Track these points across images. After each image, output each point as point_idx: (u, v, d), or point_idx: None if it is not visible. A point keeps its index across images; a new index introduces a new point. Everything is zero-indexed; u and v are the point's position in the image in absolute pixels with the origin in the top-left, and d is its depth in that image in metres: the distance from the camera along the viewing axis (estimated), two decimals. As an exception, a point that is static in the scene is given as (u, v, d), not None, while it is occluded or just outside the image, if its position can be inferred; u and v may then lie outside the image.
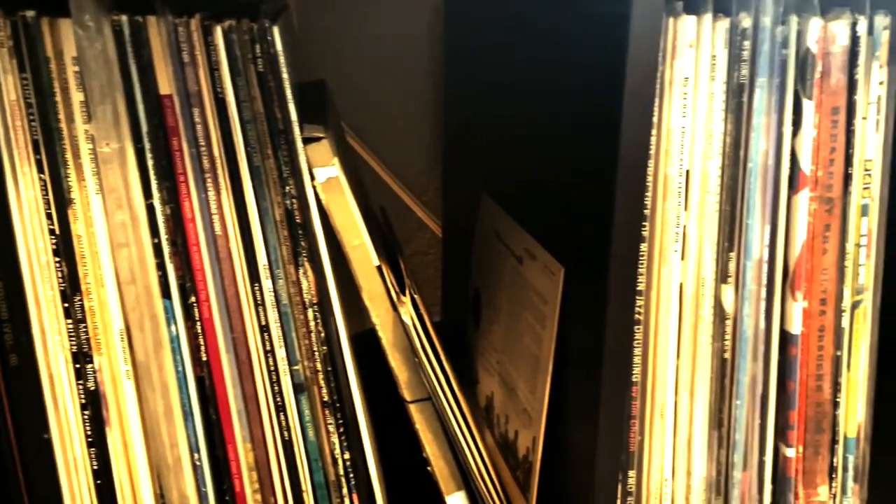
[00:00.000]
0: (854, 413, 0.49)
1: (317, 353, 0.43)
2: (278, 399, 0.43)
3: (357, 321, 0.48)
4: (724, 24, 0.40)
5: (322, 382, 0.43)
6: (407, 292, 0.43)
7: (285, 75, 0.38)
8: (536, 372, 0.47)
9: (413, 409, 0.46)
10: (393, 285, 0.44)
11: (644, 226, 0.43)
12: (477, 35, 0.58)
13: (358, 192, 0.53)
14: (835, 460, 0.49)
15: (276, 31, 0.37)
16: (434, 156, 0.76)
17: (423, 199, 0.77)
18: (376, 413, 0.53)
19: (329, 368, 0.43)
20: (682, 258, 0.44)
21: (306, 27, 0.71)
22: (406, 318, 0.42)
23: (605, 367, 0.40)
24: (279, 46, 0.37)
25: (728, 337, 0.46)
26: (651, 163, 0.42)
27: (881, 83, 0.43)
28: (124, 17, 0.36)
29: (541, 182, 0.47)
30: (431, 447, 0.47)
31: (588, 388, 0.42)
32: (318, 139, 0.40)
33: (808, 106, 0.42)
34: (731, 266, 0.45)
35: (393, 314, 0.44)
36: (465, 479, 0.48)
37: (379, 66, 0.73)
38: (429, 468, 0.47)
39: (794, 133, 0.43)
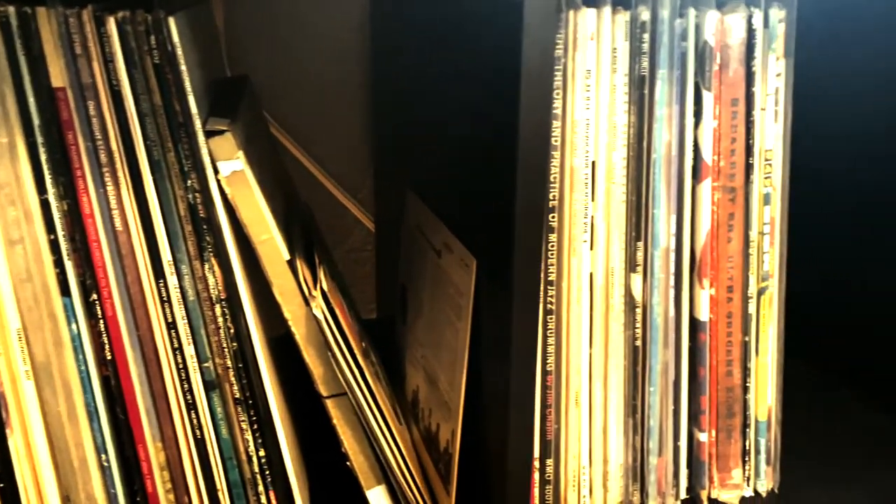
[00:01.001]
0: (764, 397, 0.49)
1: (227, 350, 0.41)
2: (189, 397, 0.42)
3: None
4: (624, 17, 0.40)
5: (233, 379, 0.42)
6: (318, 287, 0.42)
7: (183, 67, 0.37)
8: (454, 364, 0.47)
9: (330, 405, 0.45)
10: (305, 280, 0.43)
11: (552, 217, 0.43)
12: (400, 32, 0.58)
13: (277, 188, 0.52)
14: (747, 443, 0.50)
15: (171, 22, 0.36)
16: (367, 153, 0.75)
17: (358, 196, 0.76)
18: (302, 409, 0.52)
19: (240, 365, 0.42)
20: (592, 248, 0.44)
21: (235, 23, 0.69)
22: (317, 313, 0.41)
23: (513, 356, 0.39)
24: (176, 38, 0.36)
25: (639, 325, 0.46)
26: (557, 154, 0.42)
27: (778, 75, 0.43)
28: (11, 9, 0.34)
29: (455, 176, 0.46)
30: (350, 442, 0.46)
31: (499, 378, 0.41)
32: (220, 132, 0.39)
33: (708, 97, 0.42)
34: (640, 255, 0.45)
35: (306, 309, 0.43)
36: (386, 474, 0.47)
37: (310, 65, 0.72)
38: (348, 463, 0.46)
39: (696, 124, 0.43)
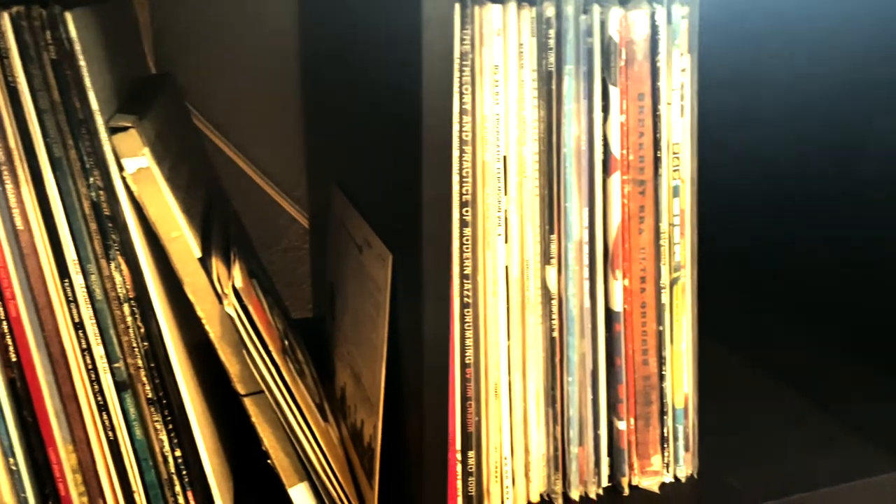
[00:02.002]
0: (680, 385, 0.50)
1: (138, 350, 0.40)
2: (99, 398, 0.41)
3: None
4: (530, 13, 0.40)
5: (146, 379, 0.41)
6: (230, 284, 0.41)
7: (82, 63, 0.36)
8: (375, 360, 0.47)
9: (247, 403, 0.44)
10: (219, 278, 0.42)
11: (466, 211, 0.43)
12: (324, 29, 0.57)
13: (196, 185, 0.51)
14: (665, 430, 0.50)
15: (68, 18, 0.35)
16: (301, 151, 0.74)
17: (293, 194, 0.76)
18: (228, 408, 0.51)
19: (152, 365, 0.41)
20: (506, 241, 0.44)
21: (164, 21, 0.68)
22: (230, 311, 0.41)
23: (426, 350, 0.39)
24: (74, 34, 0.35)
25: (555, 317, 0.46)
26: (468, 149, 0.42)
27: (683, 70, 0.44)
28: None
29: (371, 172, 0.46)
30: (270, 440, 0.45)
31: (414, 372, 0.41)
32: (125, 129, 0.38)
33: (615, 92, 0.43)
34: (554, 248, 0.45)
35: (219, 307, 0.42)
36: (308, 471, 0.46)
37: (242, 64, 0.71)
38: (269, 461, 0.46)
39: (605, 119, 0.43)
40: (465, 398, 0.46)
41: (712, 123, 0.65)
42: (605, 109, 0.43)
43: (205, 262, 0.42)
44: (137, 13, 0.63)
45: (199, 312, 0.42)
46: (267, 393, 0.43)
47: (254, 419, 0.44)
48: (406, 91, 0.37)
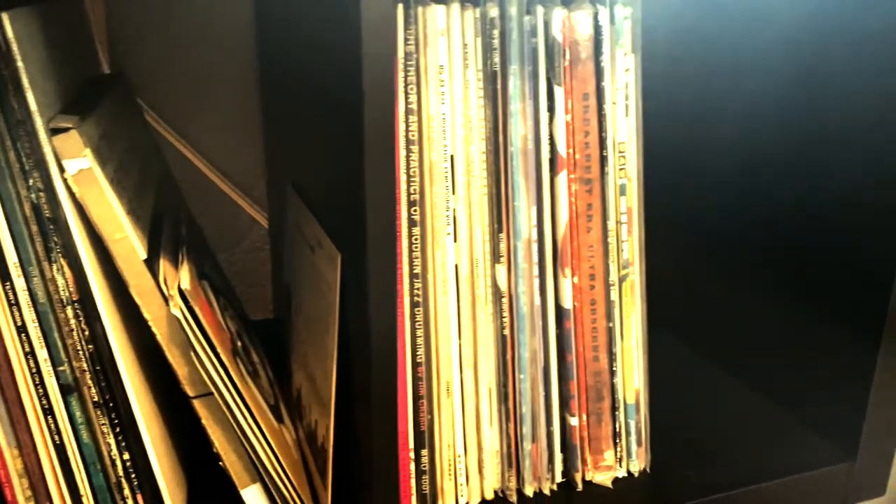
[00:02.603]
0: (631, 380, 0.50)
1: (83, 353, 0.40)
2: (45, 402, 0.40)
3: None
4: (473, 13, 0.40)
5: (91, 382, 0.41)
6: (176, 286, 0.41)
7: (20, 64, 0.35)
8: (326, 360, 0.46)
9: (197, 405, 0.44)
10: (165, 280, 0.42)
11: (415, 210, 0.43)
12: (277, 28, 0.57)
13: (147, 186, 0.51)
14: (618, 426, 0.51)
15: (4, 18, 0.34)
16: (260, 151, 0.74)
17: (253, 194, 0.75)
18: (182, 409, 0.51)
19: (98, 367, 0.40)
20: (455, 240, 0.44)
21: (120, 21, 0.67)
22: (176, 312, 0.40)
23: (373, 350, 0.39)
24: (10, 34, 0.35)
25: (506, 314, 0.46)
26: (415, 149, 0.42)
27: (627, 70, 0.44)
28: None
29: (321, 172, 0.46)
30: (221, 442, 0.45)
31: (362, 372, 0.41)
32: (65, 130, 0.37)
33: (559, 92, 0.43)
34: (503, 246, 0.45)
35: (166, 309, 0.41)
36: (260, 472, 0.46)
37: (200, 65, 0.70)
38: (220, 463, 0.45)
39: (550, 118, 0.44)
40: (416, 397, 0.46)
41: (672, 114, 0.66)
42: (551, 109, 0.44)
43: (151, 264, 0.42)
44: (90, 12, 0.62)
45: (146, 314, 0.41)
46: (216, 395, 0.43)
47: (204, 421, 0.44)
48: (349, 91, 0.37)
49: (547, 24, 0.42)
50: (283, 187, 0.60)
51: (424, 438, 0.47)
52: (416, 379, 0.46)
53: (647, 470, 0.52)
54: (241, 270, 0.77)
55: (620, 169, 0.46)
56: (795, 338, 0.57)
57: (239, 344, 0.51)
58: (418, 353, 0.45)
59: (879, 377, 0.51)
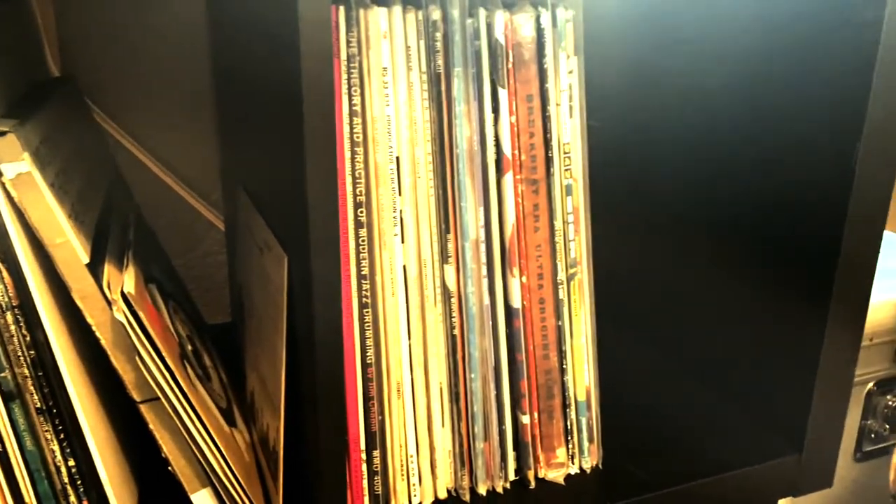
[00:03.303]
0: (582, 378, 0.51)
1: (24, 359, 0.39)
2: (-15, 409, 0.39)
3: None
4: (415, 16, 0.41)
5: (33, 389, 0.40)
6: (119, 290, 0.40)
7: (-48, 67, 0.35)
8: (276, 362, 0.46)
9: (144, 410, 0.43)
10: (108, 284, 0.41)
11: (361, 212, 0.43)
12: (225, 31, 0.57)
13: (93, 190, 0.50)
14: (569, 423, 0.51)
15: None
16: (216, 154, 0.73)
17: (210, 198, 0.74)
18: (131, 414, 0.50)
19: (40, 373, 0.40)
20: (403, 241, 0.44)
21: (71, 25, 0.66)
22: (119, 317, 0.40)
23: (318, 351, 0.39)
24: (-59, 36, 0.34)
25: (455, 314, 0.47)
26: (360, 150, 0.42)
27: (570, 72, 0.45)
28: None
29: (268, 173, 0.46)
30: (169, 446, 0.44)
31: (309, 374, 0.41)
32: (2, 133, 0.37)
33: (503, 94, 0.43)
34: (451, 247, 0.45)
35: (110, 313, 0.41)
36: (211, 477, 0.46)
37: (154, 69, 0.70)
38: (170, 468, 0.45)
39: (495, 120, 0.44)
40: (367, 398, 0.46)
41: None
42: (496, 110, 0.44)
43: (95, 268, 0.41)
44: (38, 15, 0.61)
45: (89, 319, 0.41)
46: (162, 399, 0.42)
47: (151, 426, 0.44)
48: (289, 93, 0.37)
49: (489, 27, 0.42)
50: (235, 190, 0.59)
51: (376, 439, 0.47)
52: (366, 380, 0.46)
53: (600, 466, 0.53)
54: (200, 275, 0.76)
55: (566, 169, 0.46)
56: (742, 333, 0.58)
57: (189, 348, 0.50)
58: (368, 354, 0.45)
59: (824, 370, 0.52)
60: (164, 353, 0.42)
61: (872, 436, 0.84)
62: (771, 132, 0.53)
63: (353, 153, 0.41)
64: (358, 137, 0.41)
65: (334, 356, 0.40)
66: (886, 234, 0.97)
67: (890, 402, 0.83)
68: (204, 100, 0.71)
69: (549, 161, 0.46)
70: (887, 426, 0.83)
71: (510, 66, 0.43)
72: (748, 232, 0.56)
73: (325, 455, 0.41)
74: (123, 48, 0.68)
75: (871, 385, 0.81)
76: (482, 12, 0.42)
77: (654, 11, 0.61)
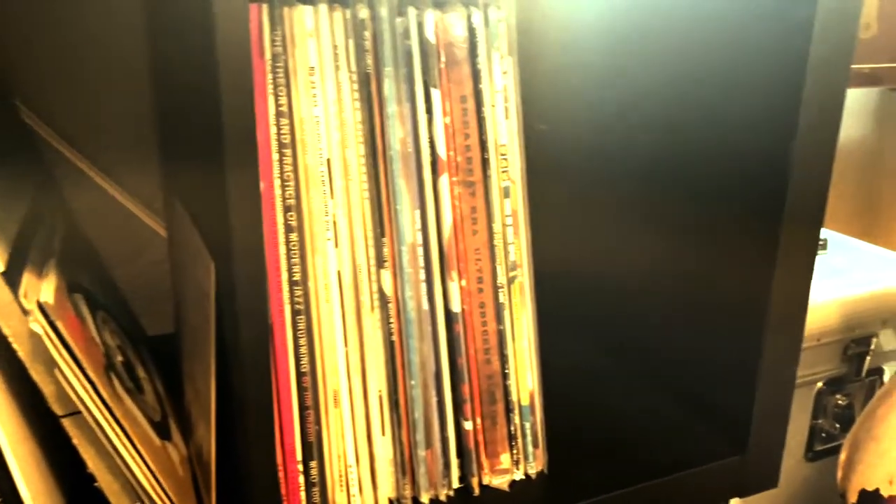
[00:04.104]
0: (525, 382, 0.50)
1: (-68, 373, 0.37)
2: None
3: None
4: (342, 14, 0.40)
5: (-57, 404, 0.38)
6: (35, 300, 0.38)
7: None
8: (206, 372, 0.45)
9: (66, 424, 0.41)
10: (26, 293, 0.39)
11: (291, 216, 0.41)
12: (158, 34, 0.55)
13: (15, 198, 0.48)
14: (513, 428, 0.50)
15: None
16: (158, 161, 0.71)
17: (154, 206, 0.72)
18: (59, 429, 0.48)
19: (-49, 388, 0.38)
20: (336, 246, 0.43)
21: (7, 31, 0.64)
22: (35, 327, 0.38)
23: (244, 360, 0.38)
24: None
25: (393, 320, 0.45)
26: (289, 152, 0.41)
27: (505, 72, 0.44)
28: None
29: (195, 178, 0.44)
30: (94, 462, 0.42)
31: (238, 384, 0.39)
32: None
33: (436, 95, 0.42)
34: (386, 251, 0.44)
35: (27, 323, 0.39)
36: (139, 493, 0.44)
37: (93, 76, 0.68)
38: (96, 484, 0.43)
39: (429, 121, 0.43)
40: (303, 407, 0.44)
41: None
42: (429, 111, 0.43)
43: (12, 277, 0.39)
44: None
45: (5, 330, 0.39)
46: (84, 412, 0.41)
47: (75, 440, 0.42)
48: (209, 95, 0.35)
49: (420, 26, 0.41)
50: (171, 198, 0.57)
51: (313, 449, 0.45)
52: (301, 389, 0.44)
53: (545, 471, 0.52)
54: (144, 284, 0.74)
55: (503, 171, 0.46)
56: (685, 333, 0.57)
57: (119, 359, 0.48)
58: (302, 362, 0.44)
59: (765, 369, 0.52)
60: (86, 365, 0.40)
61: (823, 435, 0.84)
62: (704, 125, 0.53)
63: (282, 155, 0.40)
64: (286, 139, 0.40)
65: (262, 365, 0.38)
66: (833, 234, 0.98)
67: (839, 401, 0.83)
68: (144, 106, 0.69)
69: (485, 163, 0.45)
70: (837, 425, 0.83)
71: (443, 66, 0.42)
72: (691, 233, 0.55)
73: (255, 468, 0.39)
74: (60, 52, 0.66)
75: (820, 385, 0.82)
76: (412, 11, 0.41)
77: (592, 11, 0.60)
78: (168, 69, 0.51)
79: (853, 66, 0.47)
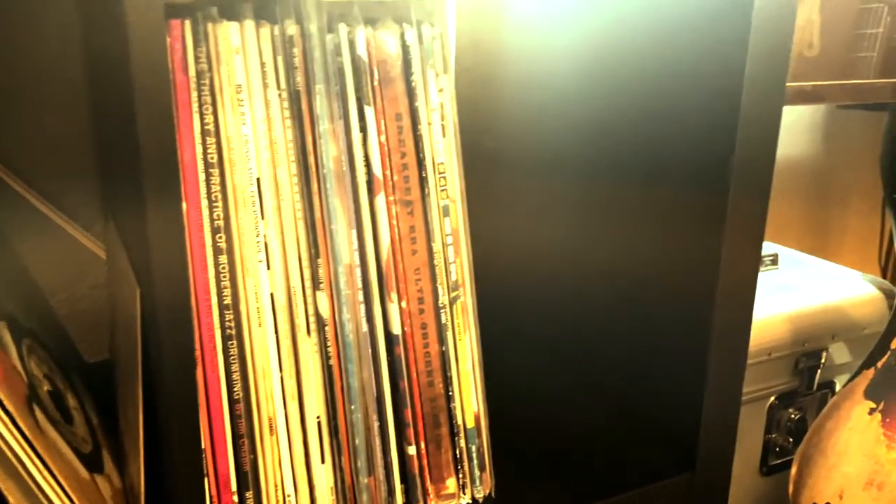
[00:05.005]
0: (470, 404, 0.49)
1: None
2: None
3: None
4: (270, 31, 0.38)
5: None
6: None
7: None
8: (135, 401, 0.43)
9: (-18, 459, 0.39)
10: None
11: (220, 237, 0.40)
12: (89, 55, 0.53)
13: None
14: (458, 452, 0.49)
15: None
16: (97, 186, 0.69)
17: (93, 230, 0.70)
18: None
19: None
20: (269, 268, 0.42)
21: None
22: (-57, 357, 0.36)
23: (169, 388, 0.36)
24: None
25: (331, 344, 0.44)
26: (216, 172, 0.39)
27: (441, 90, 0.43)
28: None
29: (124, 201, 0.43)
30: (15, 496, 0.40)
31: (164, 412, 0.38)
32: None
33: (370, 112, 0.41)
34: (322, 272, 0.43)
35: (-63, 354, 0.37)
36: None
37: (30, 99, 0.65)
38: (15, 522, 0.40)
39: (364, 139, 0.42)
40: (237, 435, 0.43)
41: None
42: (363, 129, 0.42)
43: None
44: None
45: (-88, 362, 0.37)
46: (3, 446, 0.38)
47: (-9, 476, 0.39)
48: (127, 113, 0.34)
49: (352, 43, 0.40)
50: (108, 219, 0.55)
51: (248, 479, 0.43)
52: (234, 417, 0.42)
53: (493, 495, 0.50)
54: (85, 309, 0.71)
55: (442, 190, 0.45)
56: (630, 350, 0.57)
57: (45, 388, 0.46)
58: (235, 389, 0.42)
59: (711, 385, 0.51)
60: (3, 397, 0.38)
61: (777, 449, 0.84)
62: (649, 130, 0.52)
63: (209, 175, 0.39)
64: (213, 158, 0.39)
65: (187, 395, 0.36)
66: (784, 249, 0.99)
67: (792, 415, 0.83)
68: (82, 127, 0.67)
69: (423, 181, 0.44)
70: (791, 439, 0.83)
71: (376, 83, 0.41)
72: (636, 252, 0.55)
73: (183, 501, 0.38)
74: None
75: (772, 399, 0.82)
76: (343, 27, 0.40)
77: (537, 27, 0.60)
78: (100, 88, 0.49)
79: (798, 84, 0.47)
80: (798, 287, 0.87)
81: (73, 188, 0.68)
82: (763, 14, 0.43)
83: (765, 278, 0.89)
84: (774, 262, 0.92)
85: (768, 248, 0.98)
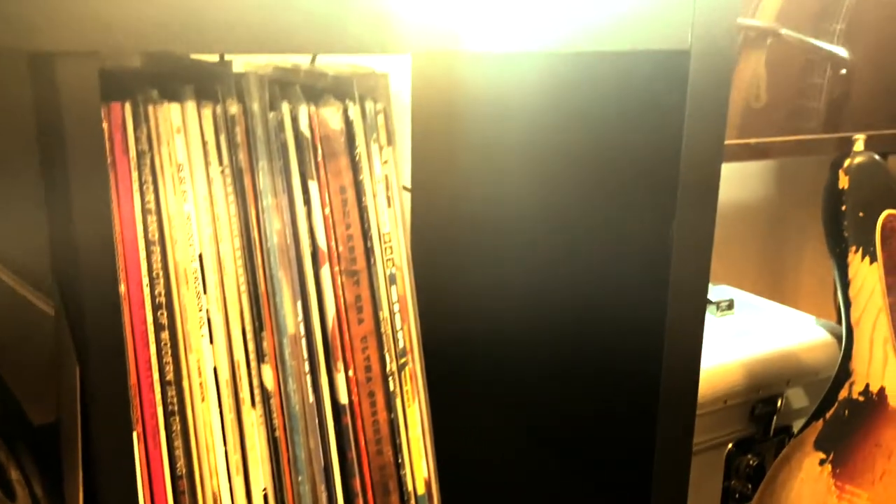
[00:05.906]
0: (420, 470, 0.49)
1: None
2: None
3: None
4: (211, 110, 0.39)
5: None
6: None
7: None
8: (74, 478, 0.42)
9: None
10: None
11: (161, 314, 0.40)
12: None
13: None
14: (409, 519, 0.49)
15: None
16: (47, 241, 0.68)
17: (43, 286, 0.69)
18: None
19: None
20: (212, 342, 0.41)
21: None
22: None
23: (103, 471, 0.35)
24: None
25: (276, 415, 0.44)
26: (157, 249, 0.39)
27: (385, 162, 0.44)
28: None
29: (64, 274, 0.42)
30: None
31: (101, 493, 0.37)
32: None
33: (314, 186, 0.42)
34: (266, 345, 0.43)
35: None
36: None
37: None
38: None
39: (308, 212, 0.42)
40: (180, 512, 0.42)
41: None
42: (308, 203, 0.42)
43: None
44: None
45: None
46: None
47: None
48: (61, 191, 0.34)
49: (294, 120, 0.41)
50: (55, 281, 0.55)
51: (192, 557, 0.43)
52: (177, 493, 0.42)
53: (445, 561, 0.50)
54: (33, 369, 0.70)
55: (388, 259, 0.45)
56: (581, 403, 0.57)
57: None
58: (178, 465, 0.41)
59: (662, 437, 0.52)
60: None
61: (737, 496, 0.85)
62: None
63: (149, 252, 0.39)
64: (153, 236, 0.39)
65: (125, 475, 0.36)
66: (739, 293, 1.01)
67: (751, 462, 0.84)
68: (32, 182, 0.67)
69: (368, 251, 0.44)
70: (750, 485, 0.84)
71: (320, 158, 0.42)
72: (582, 308, 0.56)
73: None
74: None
75: (730, 446, 0.82)
76: (285, 106, 0.40)
77: (480, 88, 0.61)
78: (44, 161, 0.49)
79: (743, 141, 0.49)
80: (753, 333, 0.88)
81: (22, 245, 0.67)
82: (698, 86, 0.45)
83: (721, 324, 0.90)
84: (730, 307, 0.94)
85: (725, 292, 0.99)
